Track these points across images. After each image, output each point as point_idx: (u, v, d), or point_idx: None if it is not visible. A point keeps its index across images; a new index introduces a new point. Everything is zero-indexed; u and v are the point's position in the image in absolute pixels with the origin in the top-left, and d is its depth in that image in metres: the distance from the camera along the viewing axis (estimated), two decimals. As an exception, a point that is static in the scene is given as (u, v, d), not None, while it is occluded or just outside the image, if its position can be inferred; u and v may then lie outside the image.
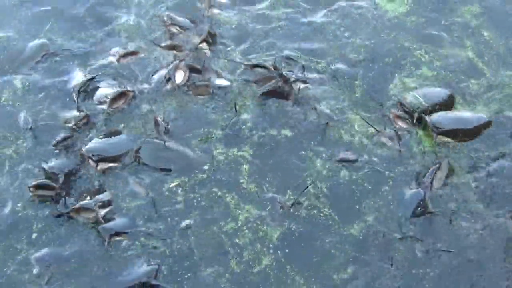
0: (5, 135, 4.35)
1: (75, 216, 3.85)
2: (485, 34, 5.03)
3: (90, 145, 4.17)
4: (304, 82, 4.60)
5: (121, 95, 4.52)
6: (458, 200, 3.95)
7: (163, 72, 4.66)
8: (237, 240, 3.78)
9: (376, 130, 4.24)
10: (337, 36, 5.01)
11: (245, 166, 4.12)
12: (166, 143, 4.23)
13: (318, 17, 5.15)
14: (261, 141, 4.27)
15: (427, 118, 4.23)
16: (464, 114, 4.31)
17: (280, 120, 4.39)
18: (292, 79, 4.54)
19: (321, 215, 3.88)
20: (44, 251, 3.71)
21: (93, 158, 4.10)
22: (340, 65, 4.76)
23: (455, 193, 3.98)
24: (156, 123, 4.34)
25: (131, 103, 4.50)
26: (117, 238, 3.77)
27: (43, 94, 4.59)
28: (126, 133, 4.31)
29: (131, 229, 3.80)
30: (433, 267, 3.66)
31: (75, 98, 4.49)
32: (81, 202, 3.88)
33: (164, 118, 4.37)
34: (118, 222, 3.85)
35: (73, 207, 3.86)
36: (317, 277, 3.62)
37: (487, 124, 4.30)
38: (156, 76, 4.66)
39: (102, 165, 4.09)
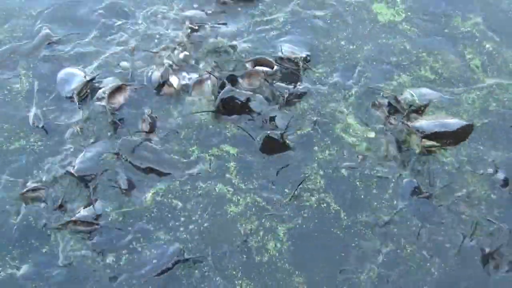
0: (13, 131, 4.37)
1: (72, 228, 3.83)
2: (485, 40, 5.15)
3: (80, 165, 4.10)
4: (298, 96, 4.62)
5: (119, 90, 4.53)
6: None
7: (156, 74, 4.66)
8: (240, 223, 3.92)
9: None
10: (334, 40, 5.10)
11: (232, 163, 4.20)
12: (146, 141, 4.26)
13: (314, 23, 5.24)
14: (249, 140, 4.35)
15: (409, 124, 4.42)
16: (444, 119, 4.51)
17: (270, 122, 4.46)
18: (286, 95, 4.55)
19: (330, 208, 4.01)
20: (28, 266, 3.69)
21: (86, 178, 4.05)
22: (337, 67, 4.88)
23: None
24: (143, 120, 4.37)
25: (130, 101, 4.54)
26: (109, 254, 3.76)
27: (47, 92, 4.63)
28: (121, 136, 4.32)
29: (124, 239, 3.81)
30: (439, 258, 3.84)
31: (76, 101, 4.47)
32: (78, 215, 3.86)
33: (151, 112, 4.39)
34: (110, 235, 3.84)
35: (71, 219, 3.83)
36: (323, 262, 3.78)
37: (469, 127, 4.50)
38: (150, 78, 4.67)
39: (94, 182, 4.06)
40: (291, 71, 4.77)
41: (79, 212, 3.89)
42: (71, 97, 4.52)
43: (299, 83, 4.71)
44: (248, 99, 4.47)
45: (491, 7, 5.46)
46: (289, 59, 4.83)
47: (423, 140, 4.38)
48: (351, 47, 5.07)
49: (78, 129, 4.34)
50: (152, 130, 4.35)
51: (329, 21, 5.27)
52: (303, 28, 5.18)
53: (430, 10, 5.42)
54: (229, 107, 4.48)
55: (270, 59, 4.79)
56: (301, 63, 4.79)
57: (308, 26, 5.20)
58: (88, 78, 4.59)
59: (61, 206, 3.92)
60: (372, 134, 4.43)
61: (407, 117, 4.51)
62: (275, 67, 4.74)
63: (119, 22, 5.16)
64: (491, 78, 4.87)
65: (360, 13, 5.38)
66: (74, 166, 4.08)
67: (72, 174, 4.05)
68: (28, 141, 4.30)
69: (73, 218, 3.83)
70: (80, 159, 4.14)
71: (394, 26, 5.27)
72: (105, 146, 4.25)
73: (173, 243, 3.82)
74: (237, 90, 4.52)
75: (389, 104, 4.59)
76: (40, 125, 4.36)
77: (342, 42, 5.11)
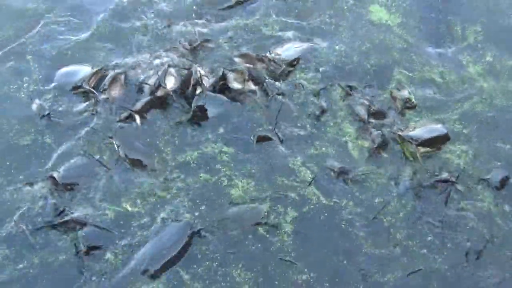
0: (21, 124, 4.38)
1: (66, 227, 3.80)
2: (485, 47, 5.19)
3: (64, 173, 4.03)
4: (282, 94, 4.64)
5: (115, 80, 4.56)
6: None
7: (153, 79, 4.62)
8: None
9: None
10: (331, 40, 5.14)
11: (225, 157, 4.22)
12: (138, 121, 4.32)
13: (310, 25, 5.28)
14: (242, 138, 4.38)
15: (401, 133, 4.44)
16: (429, 125, 4.54)
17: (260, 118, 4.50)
18: (271, 93, 4.58)
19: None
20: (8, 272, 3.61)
21: (68, 187, 3.99)
22: (333, 66, 4.92)
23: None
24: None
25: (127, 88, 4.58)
26: (94, 252, 3.70)
27: (53, 88, 4.65)
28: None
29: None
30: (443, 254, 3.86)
31: (88, 88, 4.50)
32: (73, 215, 3.83)
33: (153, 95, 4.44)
34: (98, 232, 3.80)
35: (66, 218, 3.80)
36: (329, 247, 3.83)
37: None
38: (147, 84, 4.62)
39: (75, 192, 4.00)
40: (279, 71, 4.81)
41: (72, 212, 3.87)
42: (79, 87, 4.55)
43: (284, 82, 4.75)
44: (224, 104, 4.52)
45: (491, 14, 5.52)
46: (274, 61, 4.85)
47: (418, 148, 4.41)
48: (344, 49, 5.11)
49: (92, 112, 4.39)
50: (139, 112, 4.39)
51: (321, 22, 5.32)
52: (298, 29, 5.25)
53: (428, 16, 5.48)
54: (205, 112, 4.49)
55: (254, 56, 4.84)
56: (284, 66, 4.83)
57: (303, 27, 5.27)
58: (95, 69, 4.65)
59: (62, 211, 3.89)
60: (366, 143, 4.46)
61: (401, 113, 4.61)
62: (258, 65, 4.78)
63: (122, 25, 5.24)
64: (489, 85, 4.91)
65: (357, 18, 5.42)
66: (59, 172, 4.03)
67: (53, 179, 4.00)
68: (35, 134, 4.33)
69: (67, 218, 3.80)
70: (67, 165, 4.09)
71: (388, 27, 5.32)
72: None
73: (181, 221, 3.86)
74: (213, 94, 4.54)
75: (369, 108, 4.62)
76: (46, 113, 4.38)
77: (337, 46, 5.14)
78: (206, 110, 4.46)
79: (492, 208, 4.10)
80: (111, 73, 4.62)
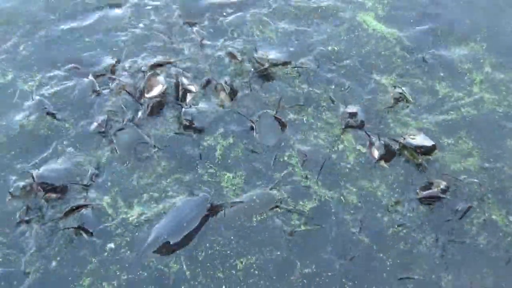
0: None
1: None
2: (483, 58, 5.19)
3: (43, 172, 3.98)
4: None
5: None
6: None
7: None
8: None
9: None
10: (325, 42, 5.21)
11: (219, 152, 4.24)
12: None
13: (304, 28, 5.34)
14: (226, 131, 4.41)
15: (403, 141, 4.41)
16: (422, 133, 4.52)
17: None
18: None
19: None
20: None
21: (45, 186, 3.92)
22: (324, 70, 4.97)
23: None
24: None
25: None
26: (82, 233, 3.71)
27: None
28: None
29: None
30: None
31: (110, 75, 4.69)
32: (75, 204, 3.84)
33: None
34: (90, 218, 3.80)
35: (69, 207, 3.81)
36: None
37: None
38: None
39: (51, 194, 3.94)
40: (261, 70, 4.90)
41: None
42: (102, 75, 4.71)
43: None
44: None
45: (490, 24, 5.57)
46: (257, 61, 4.96)
47: (422, 156, 4.39)
48: (337, 50, 5.15)
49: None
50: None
51: (314, 25, 5.39)
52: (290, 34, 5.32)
53: (426, 24, 5.53)
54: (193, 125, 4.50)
55: (238, 53, 5.00)
56: (267, 64, 4.91)
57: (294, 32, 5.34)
58: (115, 59, 4.85)
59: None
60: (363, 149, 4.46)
61: (393, 107, 4.72)
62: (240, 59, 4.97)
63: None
64: (488, 94, 4.90)
65: (353, 24, 5.47)
66: (38, 169, 3.98)
67: (32, 178, 3.93)
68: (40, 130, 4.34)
69: (73, 206, 3.81)
70: (48, 166, 4.06)
71: (385, 38, 5.33)
72: (82, 159, 4.20)
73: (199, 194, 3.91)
74: (197, 108, 4.58)
75: (351, 114, 4.63)
76: (50, 112, 4.43)
77: (331, 47, 5.19)
78: (193, 123, 4.46)
79: (501, 219, 4.06)
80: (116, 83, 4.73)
